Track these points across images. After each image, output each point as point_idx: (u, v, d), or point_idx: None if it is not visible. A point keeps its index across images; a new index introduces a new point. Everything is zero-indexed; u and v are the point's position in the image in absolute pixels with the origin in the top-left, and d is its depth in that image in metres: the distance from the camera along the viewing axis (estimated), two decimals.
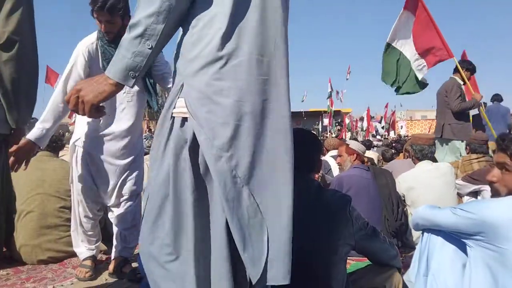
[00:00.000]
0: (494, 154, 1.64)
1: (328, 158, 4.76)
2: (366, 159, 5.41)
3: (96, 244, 2.66)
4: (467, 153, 4.19)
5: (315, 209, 1.63)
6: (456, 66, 5.04)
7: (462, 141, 4.80)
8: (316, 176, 3.34)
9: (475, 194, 3.44)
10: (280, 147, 1.06)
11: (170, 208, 1.05)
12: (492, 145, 5.82)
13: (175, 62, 1.10)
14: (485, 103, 7.32)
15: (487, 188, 3.14)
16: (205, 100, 1.00)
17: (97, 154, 2.45)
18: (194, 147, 1.02)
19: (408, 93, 5.32)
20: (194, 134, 1.01)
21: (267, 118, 1.04)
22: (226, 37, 1.00)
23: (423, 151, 3.36)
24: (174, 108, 1.05)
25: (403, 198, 3.36)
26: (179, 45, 1.08)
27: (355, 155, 3.38)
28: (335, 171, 4.55)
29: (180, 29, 1.10)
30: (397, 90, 5.35)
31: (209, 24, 1.01)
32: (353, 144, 3.45)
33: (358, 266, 2.13)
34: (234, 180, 1.00)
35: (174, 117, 1.05)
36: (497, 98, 7.27)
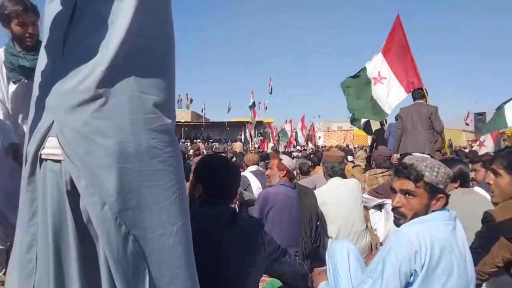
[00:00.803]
0: (395, 181, 1.72)
1: (247, 173, 4.82)
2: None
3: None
4: (373, 168, 4.54)
5: (229, 236, 1.65)
6: (423, 93, 5.62)
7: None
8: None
9: (379, 207, 3.73)
10: (163, 185, 1.00)
11: (51, 267, 0.94)
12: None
13: (40, 93, 0.98)
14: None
15: (389, 202, 3.43)
16: (83, 140, 0.90)
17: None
18: (73, 193, 0.92)
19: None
20: (71, 179, 0.91)
21: (154, 158, 0.97)
22: (107, 73, 0.91)
23: (334, 168, 3.55)
24: (44, 148, 0.93)
25: None
26: (47, 75, 0.97)
27: (285, 171, 3.41)
28: (254, 186, 4.63)
29: (45, 55, 0.99)
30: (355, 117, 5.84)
31: (88, 56, 0.92)
32: (285, 160, 3.49)
33: (274, 283, 2.17)
34: (119, 228, 0.92)
35: (44, 159, 0.94)
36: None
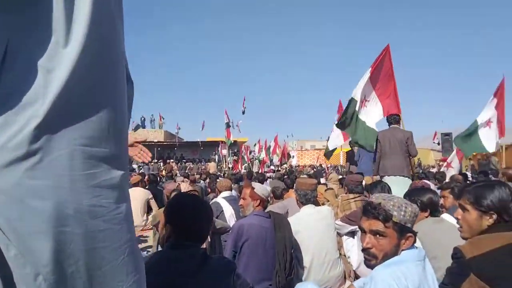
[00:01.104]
0: (363, 221, 1.70)
1: (220, 199, 4.74)
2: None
3: None
4: (345, 193, 4.56)
5: (199, 281, 1.60)
6: (399, 118, 5.93)
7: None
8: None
9: (352, 234, 3.73)
10: (108, 247, 0.89)
11: None
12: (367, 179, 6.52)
13: None
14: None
15: None
16: (14, 204, 0.79)
17: None
18: (3, 263, 0.81)
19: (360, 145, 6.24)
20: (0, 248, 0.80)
21: (97, 218, 0.87)
22: (44, 125, 0.80)
23: (306, 196, 3.54)
24: None
25: None
26: None
27: (258, 200, 3.35)
28: (227, 212, 4.56)
29: None
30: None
31: (21, 107, 0.80)
32: (258, 189, 3.43)
33: None
34: None
35: None
36: None
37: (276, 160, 21.20)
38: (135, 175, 7.83)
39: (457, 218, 1.96)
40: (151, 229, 5.88)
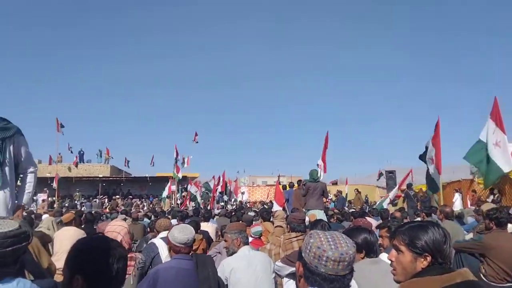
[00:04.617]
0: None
1: (157, 240, 4.43)
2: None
3: None
4: (288, 232, 4.45)
5: None
6: None
7: None
8: None
9: (293, 275, 3.58)
10: None
11: None
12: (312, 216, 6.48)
13: None
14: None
15: None
16: None
17: None
18: None
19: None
20: None
21: None
22: None
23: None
24: None
25: (226, 283, 3.37)
26: None
27: (168, 246, 3.21)
28: (164, 254, 4.26)
29: None
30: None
31: None
32: (171, 235, 3.24)
33: None
34: None
35: None
36: None
37: (226, 197, 20.85)
38: (72, 212, 7.25)
39: (391, 260, 1.88)
40: None
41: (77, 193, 27.22)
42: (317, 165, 9.77)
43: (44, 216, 8.48)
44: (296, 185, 12.33)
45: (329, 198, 18.85)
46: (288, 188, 12.13)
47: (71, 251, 1.59)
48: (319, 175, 8.97)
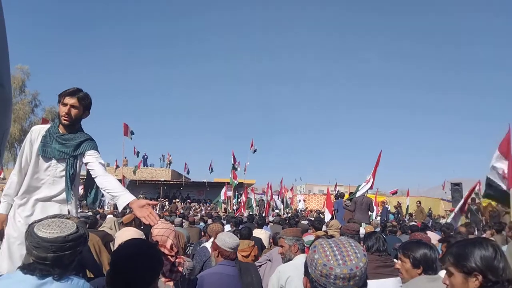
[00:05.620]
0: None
1: (210, 244, 4.51)
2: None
3: None
4: None
5: None
6: None
7: None
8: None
9: None
10: None
11: None
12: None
13: None
14: None
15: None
16: None
17: None
18: None
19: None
20: None
21: None
22: None
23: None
24: None
25: None
26: None
27: (217, 251, 3.21)
28: None
29: None
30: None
31: None
32: (219, 240, 3.26)
33: None
34: None
35: None
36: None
37: (281, 205, 20.75)
38: (132, 213, 7.59)
39: (445, 284, 1.74)
40: None
41: (141, 195, 28.52)
42: (366, 180, 10.22)
43: (108, 216, 8.96)
44: (346, 195, 12.26)
45: (388, 209, 18.14)
46: (339, 198, 12.05)
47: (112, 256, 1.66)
48: (362, 189, 10.00)
